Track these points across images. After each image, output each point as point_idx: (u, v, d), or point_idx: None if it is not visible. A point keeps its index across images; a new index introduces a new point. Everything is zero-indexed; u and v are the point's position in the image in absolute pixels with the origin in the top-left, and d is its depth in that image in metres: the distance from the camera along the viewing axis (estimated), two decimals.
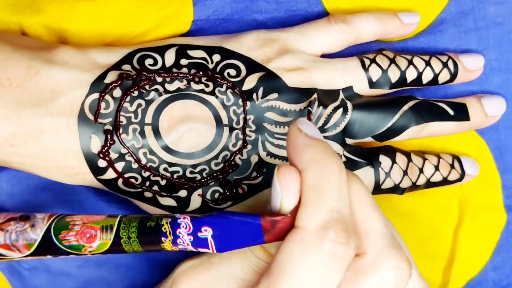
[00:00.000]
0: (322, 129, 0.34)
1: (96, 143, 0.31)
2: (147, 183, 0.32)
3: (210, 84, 0.32)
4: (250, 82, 0.33)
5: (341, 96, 0.34)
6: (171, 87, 0.32)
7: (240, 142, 0.33)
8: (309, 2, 0.37)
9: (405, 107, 0.35)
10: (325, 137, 0.34)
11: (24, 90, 0.30)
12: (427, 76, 0.36)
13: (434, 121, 0.35)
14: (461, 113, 0.36)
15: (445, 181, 0.36)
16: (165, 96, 0.32)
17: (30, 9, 0.34)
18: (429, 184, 0.36)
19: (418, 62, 0.35)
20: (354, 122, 0.34)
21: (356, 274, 0.26)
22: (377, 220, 0.27)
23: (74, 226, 0.28)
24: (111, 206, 0.36)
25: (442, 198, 0.38)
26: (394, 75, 0.35)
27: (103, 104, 0.31)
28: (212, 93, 0.32)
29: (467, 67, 0.36)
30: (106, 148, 0.31)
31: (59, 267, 0.36)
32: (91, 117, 0.31)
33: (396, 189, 0.35)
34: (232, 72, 0.33)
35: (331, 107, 0.34)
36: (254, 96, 0.33)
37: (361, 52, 0.36)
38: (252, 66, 0.33)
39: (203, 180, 0.32)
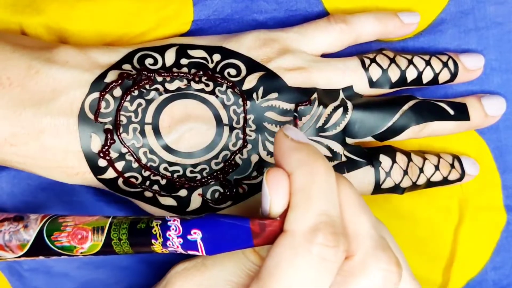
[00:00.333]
0: (322, 129, 0.34)
1: (96, 143, 0.31)
2: (147, 183, 0.32)
3: (210, 83, 0.32)
4: (250, 81, 0.33)
5: (341, 95, 0.34)
6: (171, 86, 0.32)
7: (240, 142, 0.33)
8: (309, 2, 0.37)
9: (405, 107, 0.35)
10: (325, 137, 0.34)
11: (24, 89, 0.30)
12: (427, 76, 0.36)
13: (434, 121, 0.35)
14: (461, 113, 0.36)
15: (445, 181, 0.36)
16: (165, 95, 0.32)
17: (30, 9, 0.34)
18: (429, 184, 0.36)
19: (418, 61, 0.35)
20: (354, 122, 0.34)
21: (344, 277, 0.26)
22: (365, 222, 0.27)
23: (66, 227, 0.28)
24: (111, 206, 0.36)
25: (442, 198, 0.38)
26: (394, 74, 0.35)
27: (103, 104, 0.31)
28: (212, 92, 0.32)
29: (467, 66, 0.36)
30: (106, 147, 0.31)
31: (59, 268, 0.36)
32: (91, 116, 0.31)
33: (396, 189, 0.35)
34: (232, 71, 0.33)
35: (331, 107, 0.34)
36: (254, 95, 0.33)
37: (361, 52, 0.36)
38: (252, 65, 0.33)
39: (203, 180, 0.32)
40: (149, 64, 0.33)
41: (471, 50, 0.38)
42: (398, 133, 0.35)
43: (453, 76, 0.36)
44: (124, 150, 0.31)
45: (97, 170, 0.31)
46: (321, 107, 0.33)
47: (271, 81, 0.33)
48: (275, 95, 0.33)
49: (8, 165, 0.32)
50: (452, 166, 0.37)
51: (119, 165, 0.31)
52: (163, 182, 0.32)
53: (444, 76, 0.36)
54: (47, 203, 0.36)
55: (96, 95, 0.31)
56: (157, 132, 0.31)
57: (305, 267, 0.25)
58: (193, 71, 0.33)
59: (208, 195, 0.32)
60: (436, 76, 0.36)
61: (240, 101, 0.33)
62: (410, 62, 0.35)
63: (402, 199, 0.37)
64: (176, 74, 0.32)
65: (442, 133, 0.36)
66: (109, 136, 0.31)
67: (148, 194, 0.32)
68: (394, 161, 0.35)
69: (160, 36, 0.35)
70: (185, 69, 0.33)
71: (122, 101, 0.31)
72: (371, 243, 0.27)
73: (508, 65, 0.38)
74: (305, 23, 0.36)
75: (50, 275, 0.36)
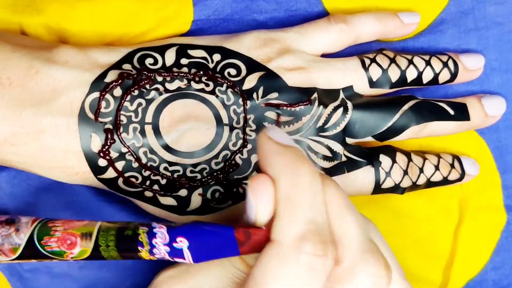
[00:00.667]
0: (322, 129, 0.34)
1: (96, 142, 0.31)
2: (148, 183, 0.32)
3: (211, 83, 0.32)
4: (250, 81, 0.33)
5: (341, 95, 0.34)
6: (171, 86, 0.32)
7: (240, 142, 0.33)
8: (309, 2, 0.37)
9: (405, 107, 0.35)
10: (325, 137, 0.34)
11: (24, 89, 0.30)
12: (427, 76, 0.36)
13: (434, 121, 0.35)
14: (461, 113, 0.36)
15: (445, 181, 0.36)
16: (165, 95, 0.32)
17: (30, 9, 0.34)
18: (429, 184, 0.36)
19: (418, 61, 0.35)
20: (354, 122, 0.34)
21: (332, 284, 0.26)
22: (353, 225, 0.27)
23: (55, 232, 0.28)
24: (112, 206, 0.36)
25: (442, 198, 0.38)
26: (394, 74, 0.35)
27: (103, 103, 0.31)
28: (212, 92, 0.32)
29: (467, 66, 0.36)
30: (106, 147, 0.31)
31: (60, 269, 0.36)
32: (91, 116, 0.31)
33: (397, 189, 0.35)
34: (232, 71, 0.33)
35: (331, 107, 0.34)
36: (254, 95, 0.33)
37: (361, 52, 0.36)
38: (252, 65, 0.33)
39: (203, 180, 0.32)
40: (149, 64, 0.33)
41: (471, 50, 0.38)
42: (398, 133, 0.35)
43: (453, 76, 0.36)
44: (124, 149, 0.31)
45: (97, 170, 0.31)
46: (321, 107, 0.33)
47: (271, 81, 0.33)
48: (275, 95, 0.33)
49: (8, 165, 0.32)
50: (452, 166, 0.37)
51: (119, 165, 0.31)
52: (163, 182, 0.32)
53: (444, 76, 0.36)
54: (47, 203, 0.36)
55: (96, 94, 0.31)
56: (157, 131, 0.31)
57: (294, 276, 0.24)
58: (193, 71, 0.33)
59: (208, 195, 0.32)
60: (436, 76, 0.36)
61: (240, 101, 0.33)
62: (410, 62, 0.35)
63: (402, 199, 0.37)
64: (176, 74, 0.32)
65: (442, 133, 0.36)
66: (109, 136, 0.31)
67: (148, 194, 0.32)
68: (394, 161, 0.35)
69: (160, 36, 0.35)
70: (185, 69, 0.33)
71: (122, 101, 0.31)
72: (358, 247, 0.26)
73: (508, 65, 0.38)
74: (305, 23, 0.36)
75: (51, 276, 0.36)
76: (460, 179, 0.37)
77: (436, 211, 0.38)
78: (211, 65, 0.33)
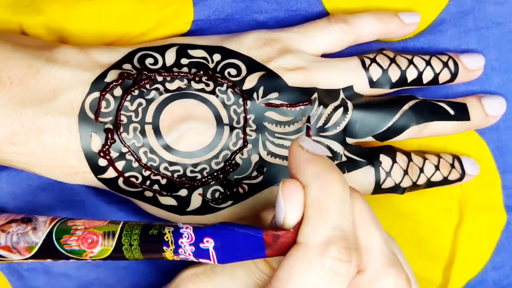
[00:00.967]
0: (322, 129, 0.34)
1: (96, 142, 0.31)
2: (148, 182, 0.32)
3: (211, 83, 0.32)
4: (251, 81, 0.33)
5: (342, 95, 0.34)
6: (171, 86, 0.32)
7: (240, 142, 0.33)
8: (309, 2, 0.37)
9: (406, 107, 0.35)
10: (325, 137, 0.34)
11: (25, 89, 0.30)
12: (427, 76, 0.36)
13: (435, 121, 0.35)
14: (462, 113, 0.36)
15: (445, 181, 0.36)
16: (165, 95, 0.32)
17: (30, 9, 0.34)
18: (430, 184, 0.36)
19: (419, 61, 0.35)
20: (354, 122, 0.34)
21: None
22: (378, 237, 0.27)
23: (76, 230, 0.28)
24: (111, 207, 0.36)
25: (442, 198, 0.38)
26: (394, 74, 0.35)
27: (103, 103, 0.31)
28: (212, 92, 0.32)
29: (468, 66, 0.36)
30: (106, 147, 0.31)
31: (58, 269, 0.36)
32: (91, 116, 0.31)
33: (397, 189, 0.35)
34: (233, 71, 0.33)
35: (331, 107, 0.34)
36: (255, 95, 0.33)
37: (361, 52, 0.36)
38: (253, 65, 0.33)
39: (203, 179, 0.32)
40: (150, 64, 0.33)
41: (471, 50, 0.38)
42: (399, 133, 0.35)
43: (454, 76, 0.36)
44: (124, 149, 0.31)
45: (97, 170, 0.31)
46: (321, 107, 0.33)
47: (271, 81, 0.33)
48: (275, 95, 0.33)
49: (9, 164, 0.32)
50: (452, 166, 0.37)
51: (120, 165, 0.31)
52: (164, 181, 0.32)
53: (445, 76, 0.36)
54: (48, 203, 0.36)
55: (96, 94, 0.31)
56: (157, 131, 0.31)
57: (317, 280, 0.25)
58: (193, 71, 0.33)
59: (209, 195, 0.32)
60: (436, 76, 0.36)
61: (240, 101, 0.33)
62: (411, 62, 0.35)
63: (402, 199, 0.37)
64: (176, 74, 0.32)
65: (442, 133, 0.36)
66: (109, 136, 0.31)
67: (148, 193, 0.32)
68: (394, 161, 0.35)
69: (160, 36, 0.35)
70: (185, 69, 0.33)
71: (123, 101, 0.31)
72: (382, 258, 0.27)
73: (508, 65, 0.38)
74: (305, 23, 0.36)
75: (50, 275, 0.36)
76: (460, 179, 0.37)
77: (436, 211, 0.38)
78: (211, 65, 0.33)
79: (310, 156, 0.27)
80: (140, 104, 0.31)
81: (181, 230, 0.27)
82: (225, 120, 0.32)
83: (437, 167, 0.36)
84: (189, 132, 0.32)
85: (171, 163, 0.32)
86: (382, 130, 0.34)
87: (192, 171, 0.32)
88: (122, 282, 0.36)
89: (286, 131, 0.33)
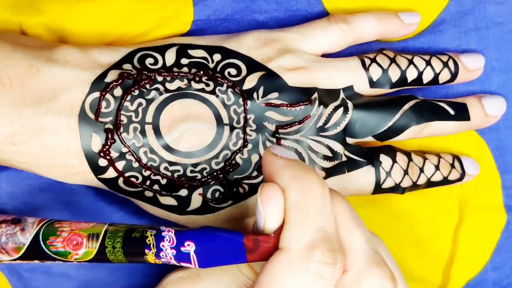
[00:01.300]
0: (322, 129, 0.34)
1: (96, 142, 0.31)
2: (148, 182, 0.32)
3: (211, 83, 0.32)
4: (251, 81, 0.33)
5: (342, 95, 0.34)
6: (171, 86, 0.32)
7: (240, 141, 0.33)
8: (309, 2, 0.37)
9: (406, 107, 0.35)
10: (325, 137, 0.34)
11: (25, 88, 0.30)
12: (427, 76, 0.36)
13: (435, 121, 0.35)
14: (462, 113, 0.36)
15: (445, 181, 0.36)
16: (165, 95, 0.32)
17: (30, 9, 0.34)
18: (430, 184, 0.36)
19: (419, 61, 0.35)
20: (354, 122, 0.34)
21: None
22: (360, 236, 0.27)
23: (62, 232, 0.28)
24: (111, 207, 0.36)
25: (442, 198, 0.38)
26: (394, 74, 0.35)
27: (103, 103, 0.31)
28: (212, 92, 0.32)
29: (468, 66, 0.36)
30: (106, 147, 0.31)
31: (58, 268, 0.36)
32: (91, 116, 0.31)
33: (397, 189, 0.35)
34: (233, 71, 0.33)
35: (331, 107, 0.34)
36: (255, 95, 0.33)
37: (361, 52, 0.36)
38: (253, 65, 0.33)
39: (203, 179, 0.32)
40: (150, 64, 0.33)
41: (471, 50, 0.38)
42: (399, 133, 0.35)
43: (454, 76, 0.36)
44: (124, 149, 0.31)
45: (97, 170, 0.31)
46: (321, 106, 0.33)
47: (271, 80, 0.33)
48: (275, 94, 0.33)
49: (9, 164, 0.32)
50: (452, 166, 0.37)
51: (120, 165, 0.31)
52: (164, 181, 0.32)
53: (445, 76, 0.36)
54: (47, 203, 0.36)
55: (96, 94, 0.31)
56: (157, 131, 0.31)
57: (302, 284, 0.24)
58: (193, 71, 0.33)
59: (209, 195, 0.32)
60: (436, 76, 0.36)
61: (240, 100, 0.33)
62: (411, 62, 0.35)
63: (403, 199, 0.37)
64: (176, 74, 0.32)
65: (443, 133, 0.36)
66: (109, 136, 0.31)
67: (148, 193, 0.32)
68: (394, 161, 0.35)
69: (160, 36, 0.35)
70: (185, 69, 0.33)
71: (123, 101, 0.31)
72: (365, 258, 0.27)
73: (508, 65, 0.38)
74: (305, 23, 0.36)
75: (49, 275, 0.36)
76: (460, 179, 0.37)
77: (436, 211, 0.38)
78: (211, 65, 0.33)
79: (286, 161, 0.26)
80: (140, 104, 0.31)
81: (163, 233, 0.27)
82: (225, 120, 0.32)
83: (437, 167, 0.36)
84: (189, 132, 0.32)
85: (171, 163, 0.32)
86: (382, 130, 0.34)
87: (192, 171, 0.32)
88: (121, 282, 0.36)
89: (286, 131, 0.33)
